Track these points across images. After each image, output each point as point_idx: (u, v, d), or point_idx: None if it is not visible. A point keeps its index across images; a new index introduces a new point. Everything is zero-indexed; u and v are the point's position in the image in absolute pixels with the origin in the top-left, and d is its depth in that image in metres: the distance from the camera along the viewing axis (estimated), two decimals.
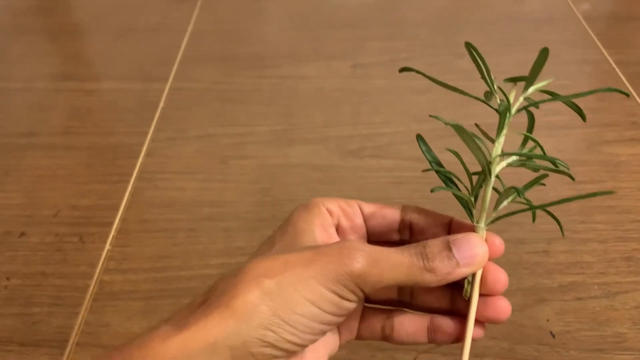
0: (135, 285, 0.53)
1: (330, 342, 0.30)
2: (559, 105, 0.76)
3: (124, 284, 0.53)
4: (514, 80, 0.28)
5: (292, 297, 0.25)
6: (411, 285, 0.28)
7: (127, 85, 0.80)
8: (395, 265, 0.26)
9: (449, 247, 0.27)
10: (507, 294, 0.50)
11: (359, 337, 0.32)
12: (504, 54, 0.83)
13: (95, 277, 0.53)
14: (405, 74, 0.32)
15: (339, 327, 0.31)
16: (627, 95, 0.28)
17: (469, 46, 0.28)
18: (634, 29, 0.89)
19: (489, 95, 0.29)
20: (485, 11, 0.95)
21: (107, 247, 0.56)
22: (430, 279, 0.27)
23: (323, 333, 0.27)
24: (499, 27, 0.90)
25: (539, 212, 0.30)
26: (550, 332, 0.47)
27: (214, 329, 0.24)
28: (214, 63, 0.83)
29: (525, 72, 0.29)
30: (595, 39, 0.86)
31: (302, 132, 0.70)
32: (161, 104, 0.75)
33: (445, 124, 0.26)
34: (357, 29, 0.91)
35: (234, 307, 0.24)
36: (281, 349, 0.25)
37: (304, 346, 0.26)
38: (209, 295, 0.26)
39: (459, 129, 0.26)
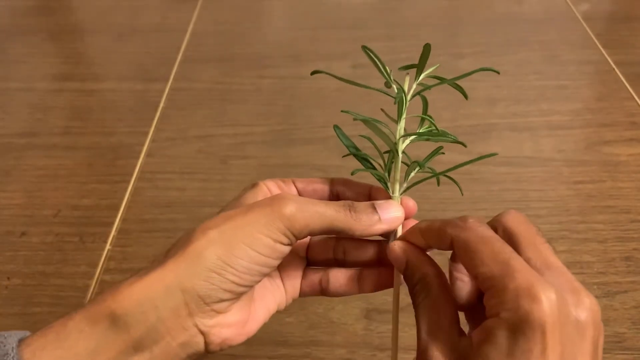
0: None
1: (277, 297, 0.35)
2: (558, 105, 0.76)
3: None
4: (406, 68, 0.33)
5: (232, 243, 0.29)
6: (337, 233, 0.32)
7: (127, 85, 0.80)
8: (321, 212, 0.30)
9: (373, 207, 0.32)
10: None
11: (302, 293, 0.36)
12: (504, 54, 0.83)
13: (95, 277, 0.54)
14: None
15: (284, 285, 0.35)
16: (498, 72, 0.33)
17: (365, 49, 0.33)
18: (633, 29, 0.89)
19: (388, 84, 0.33)
20: (485, 11, 0.95)
21: (108, 247, 0.56)
22: (355, 227, 0.31)
23: (261, 275, 0.30)
24: (499, 27, 0.90)
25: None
26: None
27: (169, 274, 0.28)
28: (214, 63, 0.84)
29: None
30: (594, 39, 0.86)
31: (302, 132, 0.70)
32: (161, 104, 0.75)
33: (354, 118, 0.31)
34: (357, 29, 0.91)
35: (184, 254, 0.29)
36: (225, 290, 0.29)
37: (245, 287, 0.30)
38: (168, 252, 0.30)
39: (366, 121, 0.31)
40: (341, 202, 0.32)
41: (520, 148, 0.66)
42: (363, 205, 0.32)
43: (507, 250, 0.27)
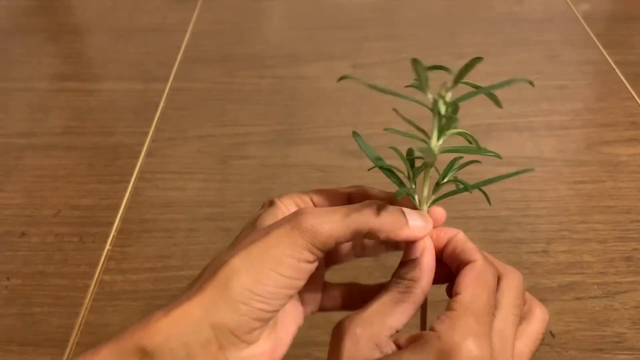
0: (136, 285, 0.53)
1: (297, 315, 0.33)
2: (559, 105, 0.76)
3: (124, 284, 0.53)
4: (432, 68, 0.31)
5: (256, 269, 0.28)
6: (364, 237, 0.30)
7: (127, 85, 0.80)
8: (343, 217, 0.29)
9: (401, 210, 0.31)
10: None
11: (321, 308, 0.35)
12: (504, 54, 0.83)
13: (95, 277, 0.54)
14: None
15: (302, 300, 0.34)
16: (532, 84, 0.30)
17: (415, 63, 0.29)
18: (633, 29, 0.89)
19: (415, 84, 0.31)
20: (485, 11, 0.95)
21: (107, 247, 0.56)
22: (382, 227, 0.29)
23: (288, 297, 0.29)
24: (499, 27, 0.90)
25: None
26: (550, 331, 0.47)
27: (196, 309, 0.27)
28: (214, 63, 0.83)
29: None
30: (594, 39, 0.86)
31: (302, 132, 0.70)
32: (161, 104, 0.75)
33: (392, 138, 0.30)
34: (357, 29, 0.91)
35: (210, 287, 0.28)
36: (255, 319, 0.28)
37: (273, 312, 0.29)
38: (193, 284, 0.30)
39: (401, 153, 0.31)
40: (364, 202, 0.30)
41: (521, 148, 0.66)
42: (389, 206, 0.30)
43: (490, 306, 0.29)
